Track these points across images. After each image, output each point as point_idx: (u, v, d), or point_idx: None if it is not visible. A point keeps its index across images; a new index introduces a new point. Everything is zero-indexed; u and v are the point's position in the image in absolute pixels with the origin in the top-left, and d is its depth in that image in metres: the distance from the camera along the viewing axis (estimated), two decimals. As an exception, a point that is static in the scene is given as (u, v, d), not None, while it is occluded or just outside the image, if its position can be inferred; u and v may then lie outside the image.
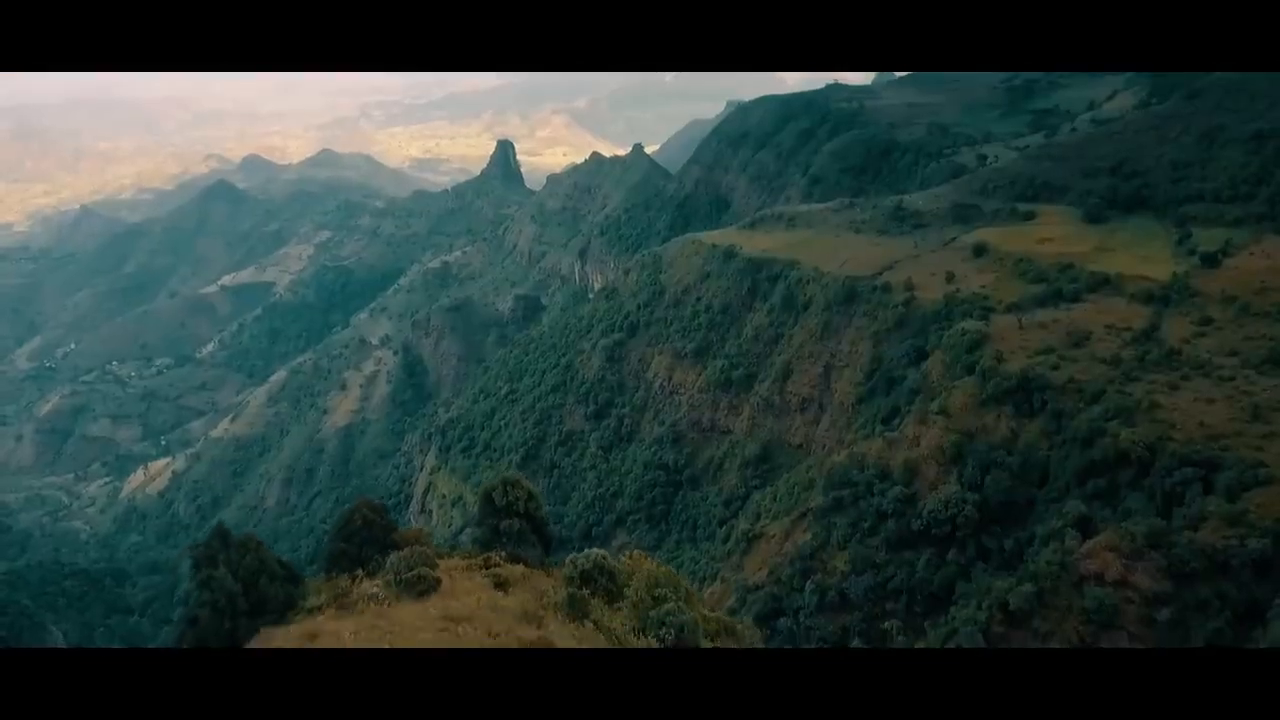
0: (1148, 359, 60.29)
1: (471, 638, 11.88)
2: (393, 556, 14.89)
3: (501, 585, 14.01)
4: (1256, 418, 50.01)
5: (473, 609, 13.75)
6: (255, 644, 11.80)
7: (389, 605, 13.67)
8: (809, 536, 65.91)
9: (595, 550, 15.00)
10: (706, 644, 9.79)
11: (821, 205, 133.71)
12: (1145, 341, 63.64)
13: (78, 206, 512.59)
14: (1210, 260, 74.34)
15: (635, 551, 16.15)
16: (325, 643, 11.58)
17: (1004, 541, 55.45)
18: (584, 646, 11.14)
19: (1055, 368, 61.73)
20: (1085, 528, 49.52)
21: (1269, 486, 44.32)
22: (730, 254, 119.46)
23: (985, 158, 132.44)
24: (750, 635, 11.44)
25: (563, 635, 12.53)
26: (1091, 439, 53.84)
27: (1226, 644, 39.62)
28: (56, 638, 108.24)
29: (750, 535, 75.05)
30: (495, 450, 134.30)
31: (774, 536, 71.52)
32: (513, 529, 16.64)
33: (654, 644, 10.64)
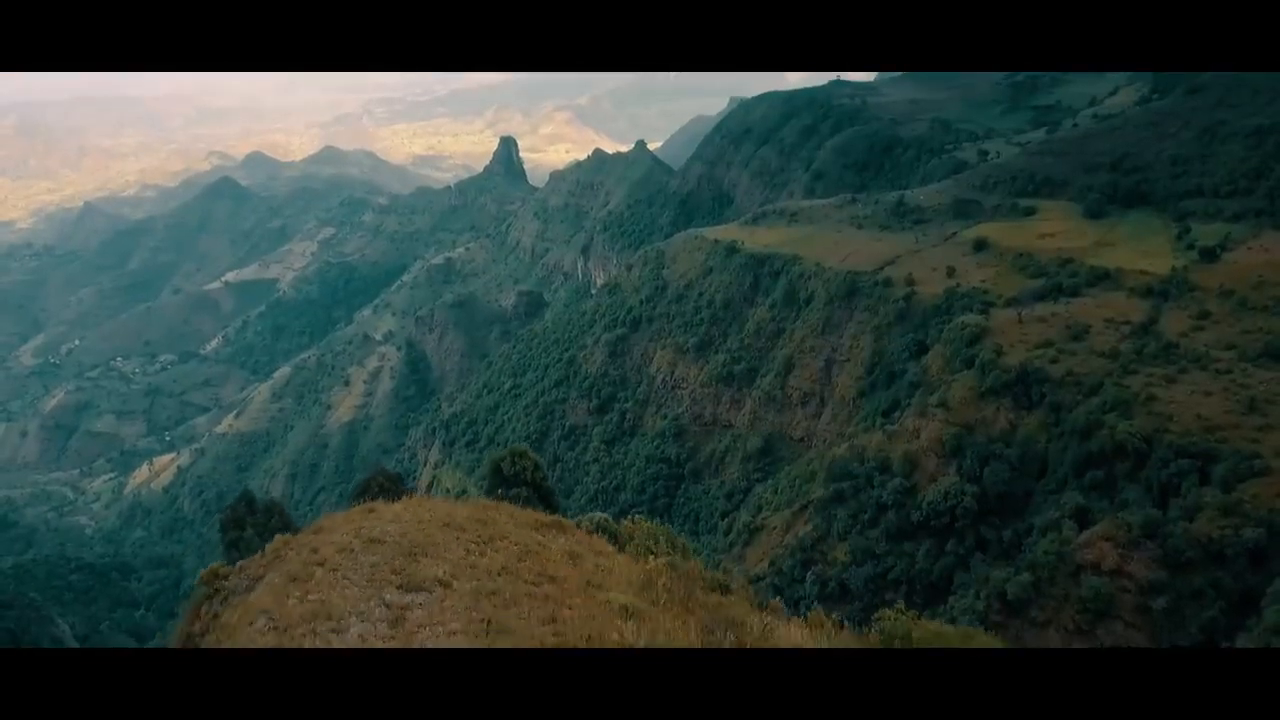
0: (1145, 352, 60.76)
1: (499, 522, 12.82)
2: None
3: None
4: (1252, 410, 50.54)
5: (498, 506, 14.72)
6: (320, 525, 12.43)
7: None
8: (810, 528, 66.54)
9: (599, 513, 15.65)
10: (703, 596, 10.40)
11: (823, 201, 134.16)
12: (1143, 335, 64.13)
13: (81, 203, 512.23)
14: (1209, 255, 74.79)
15: (636, 516, 16.83)
16: (380, 515, 12.63)
17: (1002, 532, 56.04)
18: (592, 563, 11.77)
19: (1054, 361, 62.25)
20: (1082, 518, 50.10)
21: (1264, 477, 44.83)
22: (732, 249, 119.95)
23: (987, 153, 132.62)
24: (744, 591, 12.07)
25: (573, 532, 13.47)
26: (1089, 431, 54.39)
27: (1220, 632, 40.12)
28: (63, 630, 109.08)
29: (752, 527, 75.67)
30: (499, 445, 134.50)
31: (775, 528, 72.16)
32: (520, 497, 17.28)
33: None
